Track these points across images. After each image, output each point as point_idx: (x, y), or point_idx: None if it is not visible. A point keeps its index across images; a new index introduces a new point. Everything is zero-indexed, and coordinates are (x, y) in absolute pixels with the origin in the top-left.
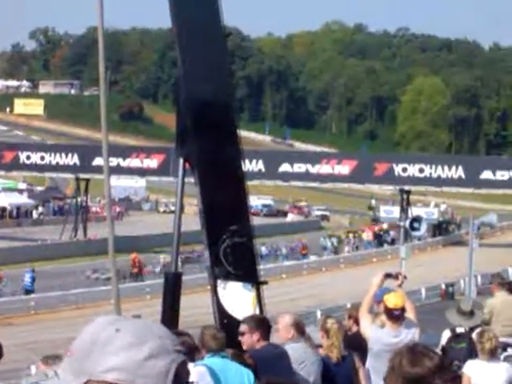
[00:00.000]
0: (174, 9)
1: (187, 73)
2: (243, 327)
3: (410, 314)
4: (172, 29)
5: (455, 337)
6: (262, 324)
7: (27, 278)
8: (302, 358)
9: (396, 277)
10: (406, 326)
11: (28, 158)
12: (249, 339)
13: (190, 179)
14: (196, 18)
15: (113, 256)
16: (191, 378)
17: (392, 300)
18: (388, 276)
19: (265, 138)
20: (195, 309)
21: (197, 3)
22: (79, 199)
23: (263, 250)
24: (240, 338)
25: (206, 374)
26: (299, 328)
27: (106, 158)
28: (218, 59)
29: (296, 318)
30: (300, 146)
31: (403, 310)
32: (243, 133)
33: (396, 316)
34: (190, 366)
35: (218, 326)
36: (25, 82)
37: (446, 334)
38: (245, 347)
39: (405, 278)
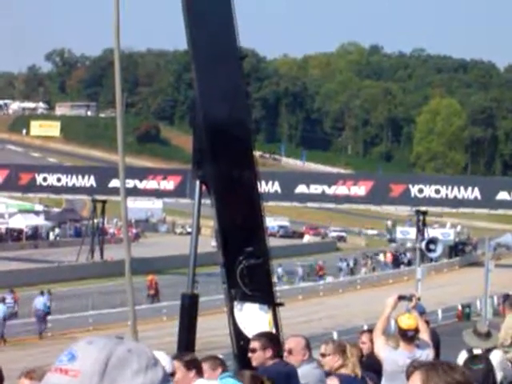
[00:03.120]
0: (190, 31)
1: (203, 95)
2: (255, 344)
3: (423, 335)
4: (188, 51)
5: (472, 358)
6: (274, 341)
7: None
8: (320, 377)
9: (410, 299)
10: (420, 347)
11: (45, 179)
12: (261, 356)
13: (207, 200)
14: (212, 40)
15: (129, 277)
16: None
17: (405, 321)
18: (402, 298)
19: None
20: (212, 330)
21: (213, 25)
22: (96, 221)
23: (279, 271)
24: (250, 355)
25: None
26: (310, 349)
27: (123, 179)
28: (234, 81)
29: (307, 339)
30: (316, 167)
31: (417, 331)
32: (259, 154)
33: (410, 337)
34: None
35: (234, 347)
36: (41, 104)
37: (463, 356)
38: (255, 364)
39: (418, 299)
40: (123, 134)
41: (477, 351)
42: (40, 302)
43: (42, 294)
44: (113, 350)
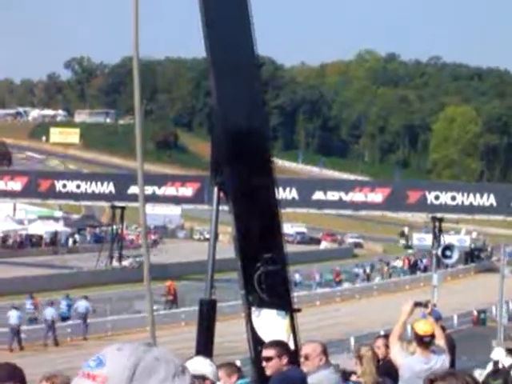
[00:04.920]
0: (208, 39)
1: (221, 102)
2: (271, 352)
3: (439, 341)
4: (206, 58)
5: (493, 373)
6: (288, 348)
7: (63, 306)
8: (336, 382)
9: (425, 305)
10: (435, 353)
11: (64, 186)
12: (277, 363)
13: (225, 207)
14: (230, 48)
15: (148, 283)
16: None
17: (422, 327)
18: (418, 304)
19: (297, 167)
20: (230, 336)
21: (231, 33)
22: (115, 227)
23: (297, 277)
24: (265, 363)
25: None
26: (327, 354)
27: (142, 186)
28: (251, 88)
29: (324, 345)
30: (333, 174)
31: (433, 336)
32: (277, 161)
33: (426, 343)
34: None
35: (252, 353)
36: (60, 111)
37: (489, 367)
38: (270, 372)
39: (434, 305)
40: (142, 141)
41: (502, 364)
42: (50, 312)
43: (51, 304)
44: (141, 358)
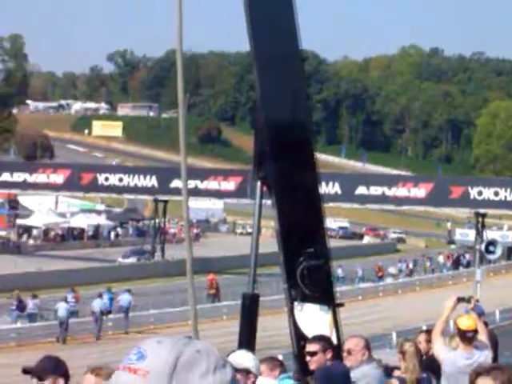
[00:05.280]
0: (252, 32)
1: (264, 96)
2: (315, 347)
3: (482, 336)
4: (250, 52)
5: None
6: (332, 342)
7: (105, 299)
8: (379, 377)
9: (468, 300)
10: (478, 348)
11: (106, 179)
12: (321, 358)
13: (268, 201)
14: (274, 42)
15: (191, 277)
16: None
17: (465, 322)
18: (461, 300)
19: (340, 161)
20: (272, 330)
21: (275, 26)
22: (157, 221)
23: (339, 272)
24: (309, 358)
25: None
26: (370, 349)
27: (185, 180)
28: (295, 82)
29: (366, 339)
30: (376, 168)
31: (476, 332)
32: (320, 155)
33: (469, 338)
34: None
35: (294, 347)
36: (103, 104)
37: None
38: (314, 367)
39: (477, 301)
40: (185, 135)
41: None
42: (97, 304)
43: (100, 296)
44: (182, 351)
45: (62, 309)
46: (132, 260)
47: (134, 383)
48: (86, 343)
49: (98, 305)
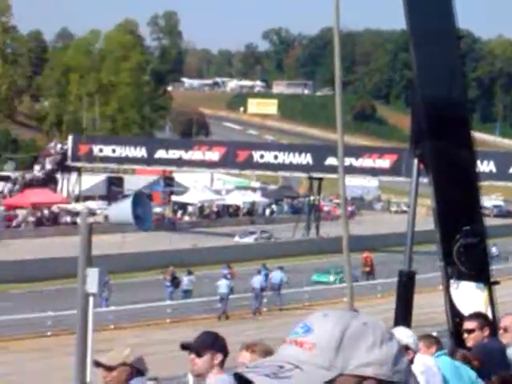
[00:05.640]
0: (409, 11)
1: (421, 73)
2: (473, 324)
3: None
4: (406, 30)
5: None
6: (489, 320)
7: (261, 275)
8: None
9: None
10: None
11: (261, 157)
12: (479, 335)
13: (422, 179)
14: (430, 21)
15: (347, 254)
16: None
17: None
18: None
19: (495, 139)
20: (428, 308)
21: (431, 6)
22: (312, 198)
23: (494, 250)
24: (466, 335)
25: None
26: None
27: (342, 158)
28: (451, 60)
29: None
30: None
31: None
32: (475, 133)
33: None
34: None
35: (450, 325)
36: (258, 82)
37: None
38: (471, 344)
39: None
40: (342, 113)
41: None
42: (258, 280)
43: (259, 272)
44: (348, 324)
45: (223, 285)
46: (248, 240)
47: (299, 356)
48: (243, 319)
49: (257, 281)
